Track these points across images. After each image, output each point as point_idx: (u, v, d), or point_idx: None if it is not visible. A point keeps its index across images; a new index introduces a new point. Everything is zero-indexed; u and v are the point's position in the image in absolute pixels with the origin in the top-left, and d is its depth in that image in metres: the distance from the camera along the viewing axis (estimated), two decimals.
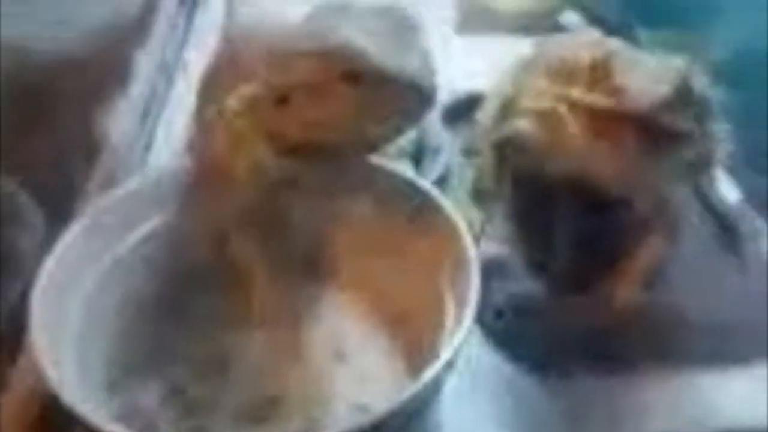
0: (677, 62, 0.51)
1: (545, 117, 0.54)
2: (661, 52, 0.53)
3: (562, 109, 0.53)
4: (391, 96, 0.47)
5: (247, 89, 0.49)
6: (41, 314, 0.44)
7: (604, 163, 0.52)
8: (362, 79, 0.46)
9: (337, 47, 0.46)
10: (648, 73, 0.50)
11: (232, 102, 0.50)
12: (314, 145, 0.50)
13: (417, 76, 0.47)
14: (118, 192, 0.53)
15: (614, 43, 0.54)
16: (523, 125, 0.56)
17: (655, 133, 0.49)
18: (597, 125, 0.51)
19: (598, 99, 0.51)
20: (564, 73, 0.54)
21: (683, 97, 0.49)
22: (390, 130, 0.51)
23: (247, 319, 0.54)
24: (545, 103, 0.54)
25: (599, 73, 0.51)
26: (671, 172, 0.54)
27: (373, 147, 0.52)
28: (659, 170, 0.53)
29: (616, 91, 0.50)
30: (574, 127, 0.52)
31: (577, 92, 0.52)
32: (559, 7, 0.99)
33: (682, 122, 0.50)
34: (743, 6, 0.74)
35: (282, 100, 0.48)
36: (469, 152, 0.65)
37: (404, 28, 0.49)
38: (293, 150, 0.50)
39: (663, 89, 0.49)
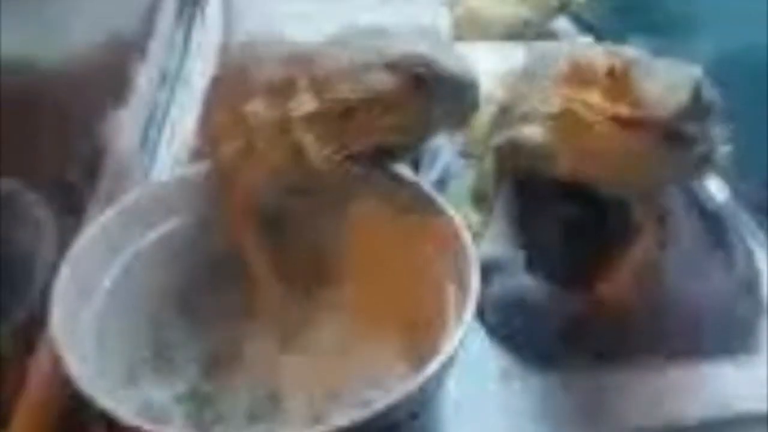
0: (689, 69, 0.51)
1: (558, 119, 0.55)
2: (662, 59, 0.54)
3: (578, 112, 0.53)
4: (454, 93, 0.51)
5: (305, 105, 0.51)
6: (61, 312, 0.45)
7: (617, 165, 0.53)
8: (431, 83, 0.50)
9: (407, 56, 0.50)
10: (664, 80, 0.51)
11: (262, 112, 0.52)
12: (382, 150, 0.53)
13: (468, 73, 0.51)
14: (129, 197, 0.54)
15: (629, 51, 0.55)
16: (532, 129, 0.57)
17: (672, 137, 0.50)
18: (615, 129, 0.51)
19: (617, 104, 0.51)
20: (577, 78, 0.54)
21: (697, 102, 0.50)
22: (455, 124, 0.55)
23: (258, 317, 0.55)
24: (556, 107, 0.55)
25: (617, 79, 0.51)
26: (677, 173, 0.55)
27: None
28: (668, 172, 0.54)
29: (635, 98, 0.50)
30: (590, 129, 0.52)
31: (594, 97, 0.52)
32: (551, 15, 1.01)
33: (695, 127, 0.51)
34: (729, 15, 0.76)
35: (348, 111, 0.51)
36: (466, 154, 0.67)
37: (440, 41, 0.53)
38: (350, 158, 0.52)
39: (682, 96, 0.49)
